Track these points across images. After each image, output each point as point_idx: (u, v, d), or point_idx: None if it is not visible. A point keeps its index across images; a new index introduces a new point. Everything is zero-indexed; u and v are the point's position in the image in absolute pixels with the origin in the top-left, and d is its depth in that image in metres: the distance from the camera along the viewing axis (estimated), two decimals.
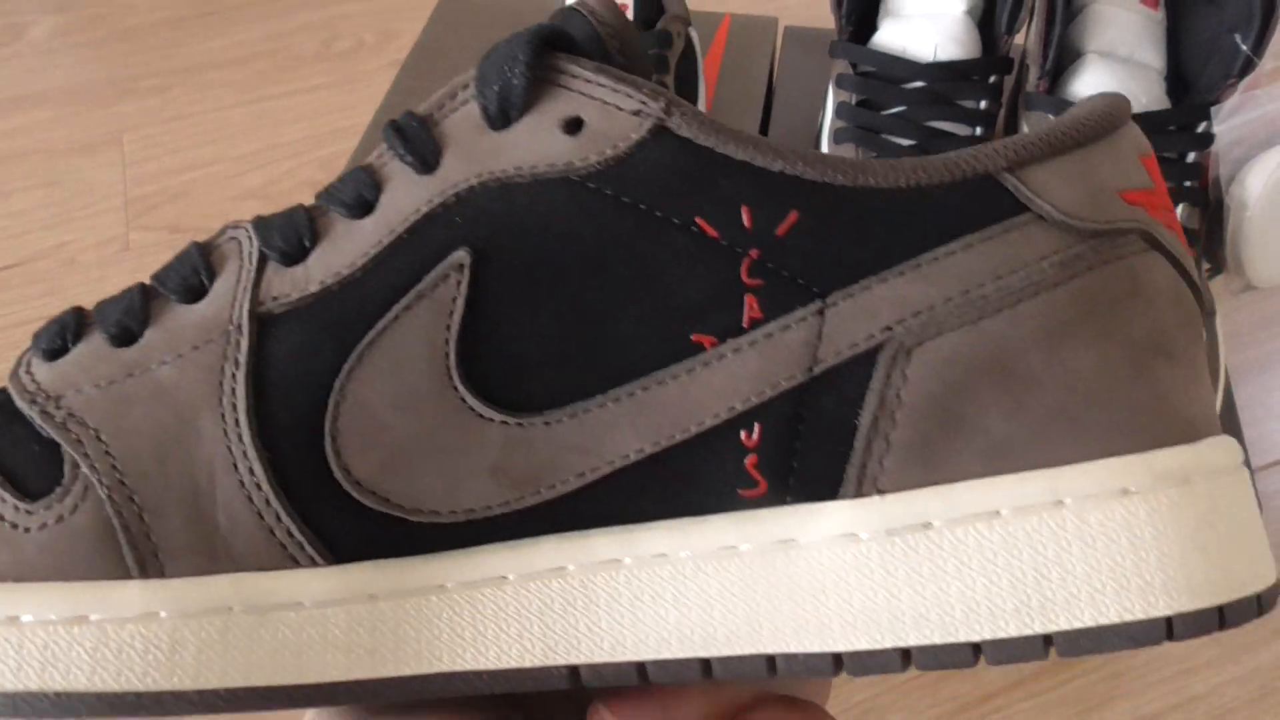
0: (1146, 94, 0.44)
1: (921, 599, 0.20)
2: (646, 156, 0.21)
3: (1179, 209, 0.44)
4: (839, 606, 0.20)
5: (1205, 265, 0.47)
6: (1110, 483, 0.20)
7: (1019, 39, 0.48)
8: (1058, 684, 0.52)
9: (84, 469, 0.20)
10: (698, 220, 0.20)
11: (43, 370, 0.22)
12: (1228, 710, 0.50)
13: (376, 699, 0.21)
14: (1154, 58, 0.45)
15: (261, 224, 0.22)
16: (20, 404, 0.21)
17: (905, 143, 0.45)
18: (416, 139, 0.22)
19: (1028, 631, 0.19)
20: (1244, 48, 0.42)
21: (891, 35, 0.46)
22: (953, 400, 0.20)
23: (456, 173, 0.22)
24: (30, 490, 0.21)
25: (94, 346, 0.22)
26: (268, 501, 0.20)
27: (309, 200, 0.23)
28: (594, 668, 0.21)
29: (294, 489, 0.21)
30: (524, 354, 0.21)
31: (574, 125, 0.21)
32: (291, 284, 0.22)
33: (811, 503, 0.21)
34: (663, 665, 0.21)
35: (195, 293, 0.22)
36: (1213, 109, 0.44)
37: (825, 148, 0.49)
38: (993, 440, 0.20)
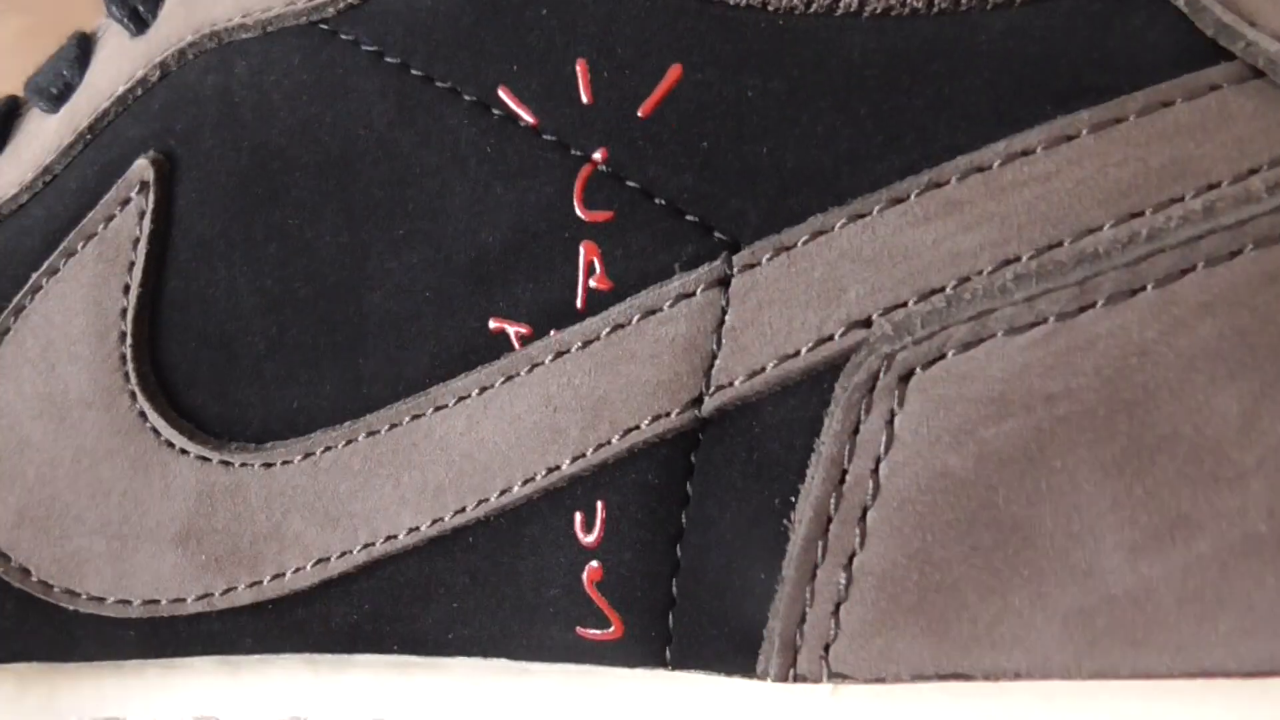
0: None
1: None
2: None
3: None
4: None
5: None
6: None
7: None
8: None
9: None
10: (501, 89, 0.10)
11: None
12: None
13: None
14: None
15: None
16: None
17: None
18: None
19: None
20: None
21: None
22: (1005, 492, 0.09)
23: (173, 29, 0.13)
24: None
25: None
26: None
27: None
28: None
29: None
30: (235, 337, 0.12)
31: None
32: None
33: (703, 672, 0.10)
34: None
35: None
36: None
37: None
38: (1110, 596, 0.09)
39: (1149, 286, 0.09)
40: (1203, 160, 0.09)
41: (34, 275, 0.13)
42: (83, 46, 0.14)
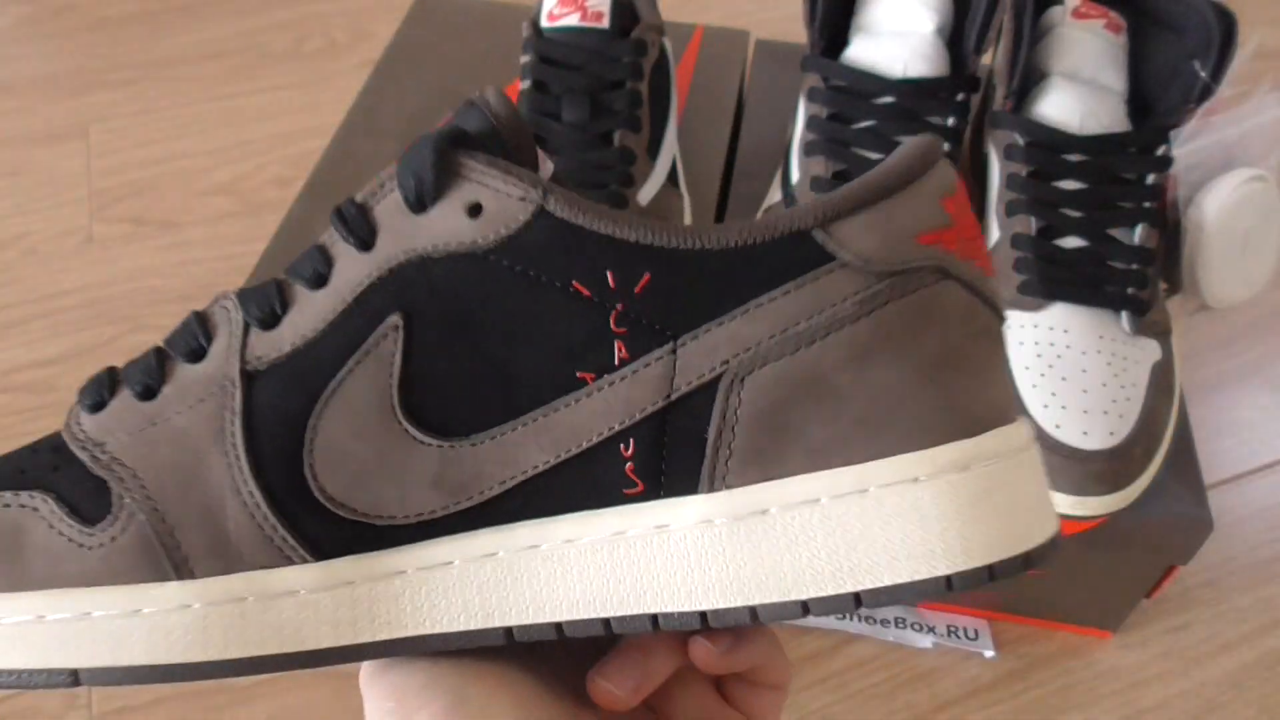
0: (1109, 115, 0.44)
1: (761, 568, 0.26)
2: (532, 233, 0.26)
3: (1137, 229, 0.45)
4: (701, 576, 0.26)
5: (1163, 284, 0.48)
6: (904, 473, 0.25)
7: (986, 59, 0.48)
8: (1011, 694, 0.52)
9: (127, 500, 0.27)
10: (574, 283, 0.26)
11: (89, 422, 0.28)
12: None
13: (361, 658, 0.28)
14: (1116, 81, 0.45)
15: (243, 296, 0.28)
16: (74, 450, 0.28)
17: (875, 156, 0.46)
18: (355, 223, 0.27)
19: (842, 591, 0.25)
20: (1203, 75, 0.42)
21: (862, 51, 0.46)
22: (779, 415, 0.26)
23: (389, 250, 0.27)
24: (88, 517, 0.27)
25: (125, 402, 0.28)
26: (265, 516, 0.27)
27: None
28: (523, 628, 0.28)
29: (283, 505, 0.27)
30: (450, 392, 0.27)
31: (475, 210, 0.27)
32: (270, 346, 0.28)
33: (677, 497, 0.27)
34: (573, 625, 0.27)
35: (197, 355, 0.28)
36: (1172, 133, 0.44)
37: (796, 160, 0.49)
38: (812, 444, 0.26)
39: (816, 341, 0.26)
40: (830, 294, 0.26)
41: (339, 373, 0.27)
42: (323, 253, 0.28)
